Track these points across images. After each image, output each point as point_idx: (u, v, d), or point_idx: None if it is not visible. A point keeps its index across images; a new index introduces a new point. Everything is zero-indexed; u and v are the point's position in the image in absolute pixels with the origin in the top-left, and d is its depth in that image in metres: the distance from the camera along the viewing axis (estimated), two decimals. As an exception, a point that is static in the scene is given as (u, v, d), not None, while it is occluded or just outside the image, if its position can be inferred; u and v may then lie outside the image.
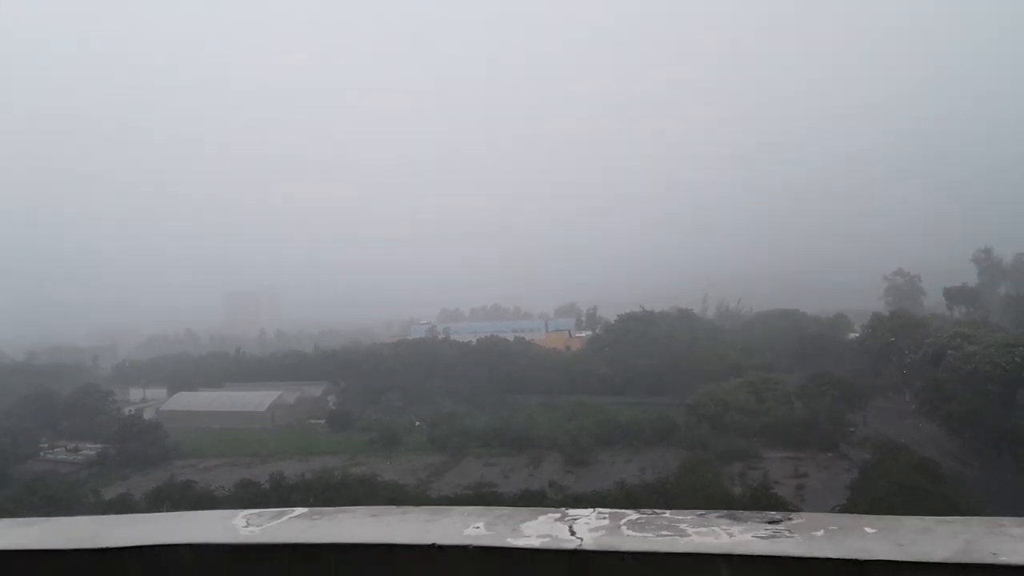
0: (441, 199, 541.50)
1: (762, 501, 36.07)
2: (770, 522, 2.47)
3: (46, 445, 77.45)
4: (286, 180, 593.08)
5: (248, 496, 45.54)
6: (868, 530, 2.39)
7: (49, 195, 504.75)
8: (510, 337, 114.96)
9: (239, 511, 3.02)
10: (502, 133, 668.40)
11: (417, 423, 78.87)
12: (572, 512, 2.68)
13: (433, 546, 2.51)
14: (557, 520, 2.62)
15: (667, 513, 2.62)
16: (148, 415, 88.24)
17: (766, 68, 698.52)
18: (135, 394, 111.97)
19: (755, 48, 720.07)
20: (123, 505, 45.89)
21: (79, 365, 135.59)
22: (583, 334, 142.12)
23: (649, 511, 2.65)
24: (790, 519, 2.50)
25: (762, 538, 2.35)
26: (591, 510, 2.69)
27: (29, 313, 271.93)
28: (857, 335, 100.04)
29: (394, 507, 2.93)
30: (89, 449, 74.03)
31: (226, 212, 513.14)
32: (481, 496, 39.43)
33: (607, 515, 2.64)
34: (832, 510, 37.20)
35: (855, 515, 2.56)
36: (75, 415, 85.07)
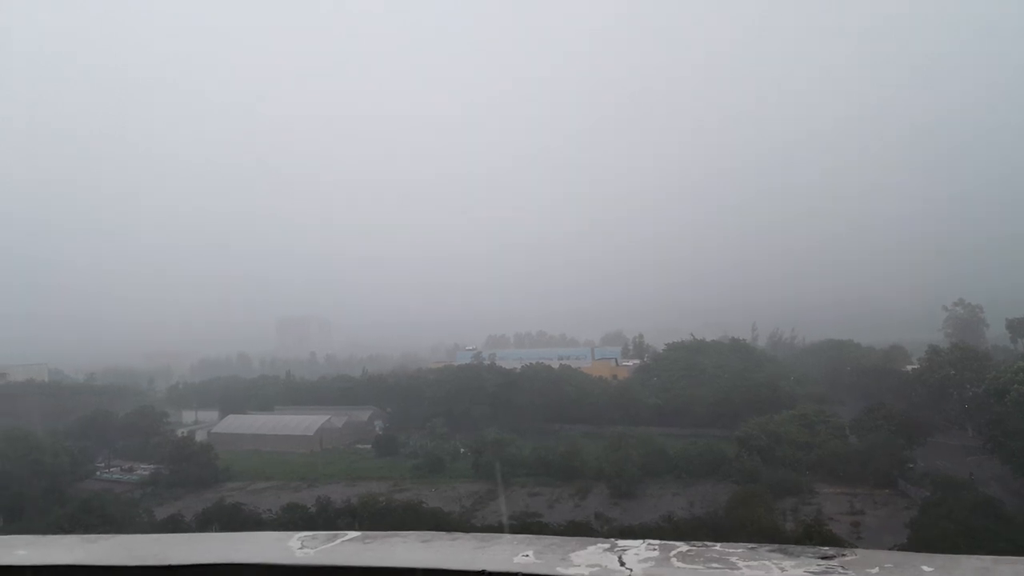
0: (489, 225, 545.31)
1: (815, 538, 34.97)
2: (823, 558, 2.44)
3: (103, 464, 79.63)
4: (339, 206, 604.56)
5: (294, 520, 45.99)
6: (925, 568, 2.34)
7: (110, 223, 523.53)
8: (555, 364, 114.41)
9: (294, 533, 3.10)
10: (552, 160, 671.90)
11: (462, 450, 78.81)
12: (622, 543, 2.69)
13: (483, 573, 2.54)
14: (607, 550, 2.63)
15: (717, 546, 2.61)
16: (200, 437, 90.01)
17: (822, 97, 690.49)
18: (188, 416, 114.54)
19: (822, 80, 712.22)
20: (174, 526, 46.76)
21: (135, 387, 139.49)
22: (630, 363, 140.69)
23: (699, 543, 2.64)
24: (843, 555, 2.47)
25: (815, 573, 2.33)
26: (641, 541, 2.69)
27: (89, 335, 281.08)
28: (915, 367, 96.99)
29: (444, 533, 2.98)
30: (143, 469, 75.83)
31: (279, 237, 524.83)
32: (526, 526, 39.10)
33: (657, 546, 2.64)
34: (891, 550, 36.03)
35: (911, 553, 2.51)
36: (131, 436, 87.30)
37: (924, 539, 35.69)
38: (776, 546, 2.56)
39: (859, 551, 2.54)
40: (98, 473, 76.09)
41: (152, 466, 75.52)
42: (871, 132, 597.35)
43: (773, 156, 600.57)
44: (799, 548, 2.53)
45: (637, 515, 48.84)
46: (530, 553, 2.65)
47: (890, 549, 34.88)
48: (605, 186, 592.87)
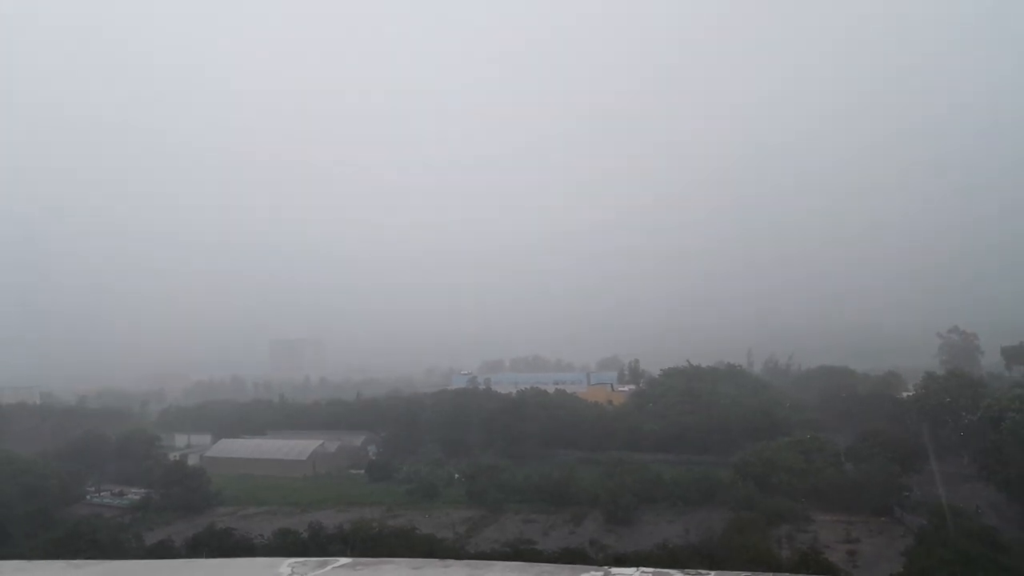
0: (483, 247, 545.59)
1: (812, 566, 34.74)
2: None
3: (93, 488, 78.80)
4: (331, 231, 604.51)
5: (286, 545, 45.52)
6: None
7: (98, 244, 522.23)
8: (551, 389, 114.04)
9: (284, 559, 3.06)
10: (549, 181, 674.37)
11: (456, 475, 78.25)
12: (615, 571, 2.66)
13: None
14: (600, 579, 2.59)
15: (712, 574, 2.58)
16: (192, 461, 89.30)
17: (819, 119, 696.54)
18: (180, 440, 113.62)
19: (821, 93, 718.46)
20: (164, 551, 46.22)
21: (127, 410, 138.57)
22: (626, 388, 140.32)
23: (694, 571, 2.61)
24: (840, 585, 2.44)
25: None
26: (635, 569, 2.66)
27: (81, 357, 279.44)
28: (910, 394, 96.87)
29: (436, 560, 2.93)
30: (134, 494, 75.07)
31: (271, 260, 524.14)
32: (519, 553, 38.73)
33: (651, 574, 2.61)
34: (887, 578, 35.73)
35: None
36: (122, 459, 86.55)
37: (921, 568, 35.45)
38: (773, 575, 2.53)
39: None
40: (88, 497, 75.29)
41: (143, 490, 74.80)
42: (868, 163, 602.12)
43: (770, 187, 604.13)
44: (797, 577, 2.50)
45: (632, 542, 48.47)
46: (523, 581, 2.62)
47: (887, 578, 34.64)
48: (600, 212, 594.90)
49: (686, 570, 2.59)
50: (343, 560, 2.97)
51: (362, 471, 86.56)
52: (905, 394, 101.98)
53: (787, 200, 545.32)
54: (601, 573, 2.58)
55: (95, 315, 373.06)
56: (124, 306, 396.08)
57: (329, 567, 2.92)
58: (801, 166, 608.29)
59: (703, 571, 2.57)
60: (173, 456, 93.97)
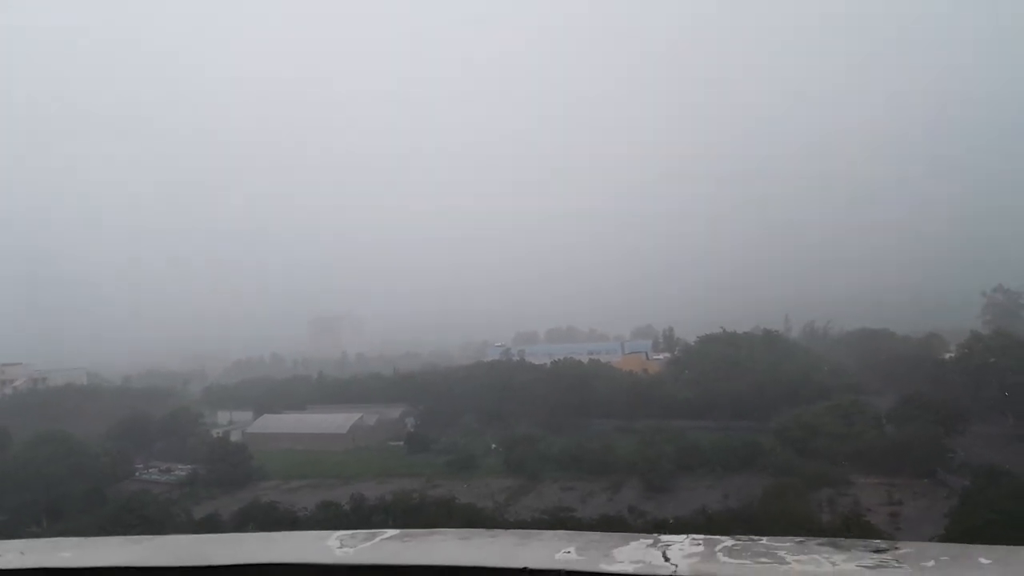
0: (516, 220, 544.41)
1: (854, 529, 34.51)
2: (875, 551, 2.36)
3: (141, 466, 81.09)
4: (365, 205, 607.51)
5: (329, 517, 46.45)
6: (983, 560, 2.25)
7: (141, 227, 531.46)
8: (585, 359, 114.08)
9: (332, 532, 3.09)
10: (576, 154, 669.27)
11: (493, 446, 79.00)
12: (665, 538, 2.63)
13: (525, 570, 2.50)
14: (650, 546, 2.57)
15: (764, 540, 2.54)
16: (235, 437, 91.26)
17: (858, 84, 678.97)
18: (223, 417, 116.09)
19: (859, 67, 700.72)
20: (212, 525, 47.50)
21: (171, 389, 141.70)
22: (661, 356, 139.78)
23: (745, 537, 2.57)
24: (896, 548, 2.39)
25: (868, 568, 2.25)
26: (684, 536, 2.63)
27: (125, 337, 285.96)
28: (952, 355, 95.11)
29: (483, 530, 2.94)
30: (180, 470, 77.08)
31: (310, 236, 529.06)
32: (559, 521, 39.07)
33: (701, 541, 2.58)
34: (931, 539, 35.35)
35: (967, 545, 2.41)
36: (168, 437, 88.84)
37: (965, 529, 35.00)
38: (826, 539, 2.48)
39: (913, 544, 2.46)
40: (137, 474, 77.52)
41: (189, 467, 76.74)
42: (907, 117, 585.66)
43: (808, 144, 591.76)
44: (850, 541, 2.45)
45: (671, 509, 48.59)
46: (572, 549, 2.61)
47: (931, 539, 34.35)
48: (631, 178, 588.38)
49: (736, 536, 2.55)
50: (390, 532, 2.98)
51: (401, 443, 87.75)
52: (948, 355, 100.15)
53: (823, 159, 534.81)
54: (651, 540, 2.55)
55: (138, 299, 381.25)
56: (165, 290, 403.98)
57: (377, 539, 2.94)
58: (839, 123, 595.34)
59: (754, 537, 2.52)
60: (216, 433, 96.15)
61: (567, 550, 2.60)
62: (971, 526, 35.08)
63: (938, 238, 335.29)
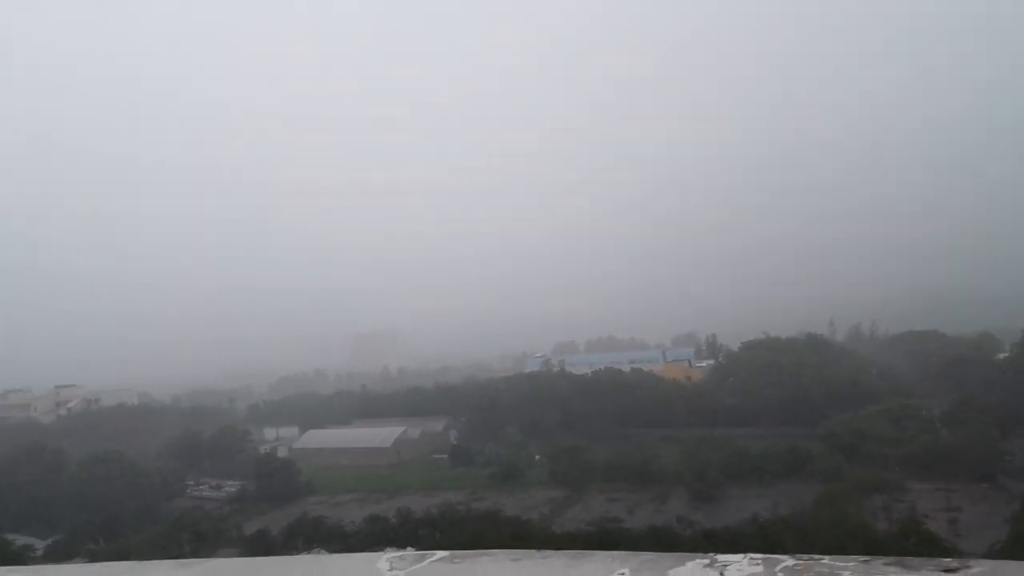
0: (551, 228, 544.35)
1: (912, 537, 33.53)
2: (946, 571, 2.26)
3: (192, 483, 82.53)
4: (402, 227, 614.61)
5: (376, 531, 46.67)
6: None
7: (190, 257, 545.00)
8: (626, 368, 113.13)
9: (382, 554, 3.07)
10: (610, 156, 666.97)
11: (537, 457, 78.68)
12: (722, 558, 2.55)
13: None
14: (707, 566, 2.49)
15: (826, 559, 2.44)
16: (281, 453, 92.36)
17: (897, 91, 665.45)
18: (269, 433, 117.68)
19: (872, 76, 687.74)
20: (262, 540, 48.05)
21: (218, 407, 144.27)
22: (704, 364, 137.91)
23: (806, 556, 2.48)
24: (968, 567, 2.28)
25: None
26: (742, 556, 2.55)
27: (174, 359, 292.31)
28: (1007, 355, 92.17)
29: (535, 551, 2.89)
30: (230, 486, 78.23)
31: (347, 252, 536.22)
32: (607, 532, 38.66)
33: (760, 561, 2.50)
34: (993, 546, 34.15)
35: (1043, 563, 2.29)
36: (216, 454, 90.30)
37: (1029, 536, 33.78)
38: (893, 559, 2.37)
39: (986, 562, 2.34)
40: (188, 491, 78.87)
41: (238, 483, 77.84)
42: (965, 118, 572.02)
43: (849, 144, 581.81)
44: (919, 561, 2.34)
45: (720, 519, 47.72)
46: (626, 571, 2.54)
47: (993, 546, 33.03)
48: (669, 186, 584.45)
49: (797, 556, 2.47)
50: (441, 553, 2.95)
51: (445, 456, 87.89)
52: (1002, 355, 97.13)
53: (866, 163, 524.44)
54: (707, 560, 2.48)
55: (186, 320, 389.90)
56: (212, 313, 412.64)
57: (427, 560, 2.91)
58: (874, 124, 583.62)
59: (815, 556, 2.43)
60: (263, 449, 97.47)
61: (621, 572, 2.54)
62: (1035, 532, 33.85)
63: (984, 237, 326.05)
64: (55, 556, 52.73)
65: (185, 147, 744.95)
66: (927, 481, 56.20)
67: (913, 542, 32.92)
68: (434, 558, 2.97)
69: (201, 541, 53.87)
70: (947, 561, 2.31)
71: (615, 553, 2.70)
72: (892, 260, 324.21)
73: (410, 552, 3.05)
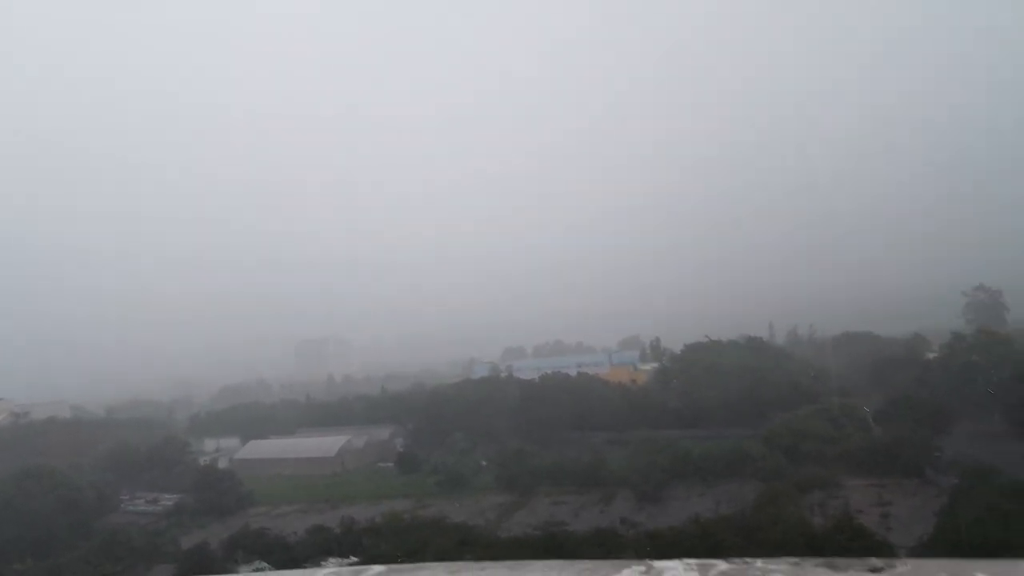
0: (500, 237, 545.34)
1: (846, 531, 34.55)
2: (872, 570, 2.32)
3: (127, 497, 79.85)
4: (346, 229, 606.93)
5: (319, 542, 45.89)
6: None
7: (123, 257, 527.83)
8: (573, 372, 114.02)
9: (319, 569, 3.01)
10: (559, 169, 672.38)
11: (483, 463, 78.58)
12: (658, 564, 2.57)
13: None
14: (643, 573, 2.51)
15: (759, 563, 2.48)
16: (223, 464, 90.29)
17: (832, 88, 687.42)
18: (209, 444, 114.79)
19: (832, 70, 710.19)
20: (200, 554, 46.76)
21: (156, 418, 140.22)
22: (648, 367, 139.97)
23: (739, 560, 2.52)
24: (893, 567, 2.34)
25: None
26: (677, 561, 2.57)
27: (108, 368, 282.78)
28: (936, 355, 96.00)
29: (473, 563, 2.86)
30: (168, 500, 75.98)
31: (290, 262, 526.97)
32: (552, 536, 38.80)
33: (695, 566, 2.52)
34: (922, 539, 35.47)
35: (965, 560, 2.37)
36: (154, 467, 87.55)
37: (955, 526, 35.15)
38: (822, 560, 2.43)
39: (910, 561, 2.41)
40: (123, 506, 76.33)
41: (176, 496, 75.69)
42: (883, 122, 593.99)
43: (782, 149, 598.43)
44: (846, 561, 2.40)
45: (664, 519, 48.42)
46: (563, 580, 2.54)
47: (920, 538, 34.26)
48: (614, 194, 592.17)
49: (731, 559, 2.50)
50: (377, 568, 2.90)
51: (391, 464, 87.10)
52: (931, 355, 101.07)
53: (799, 167, 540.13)
54: (643, 567, 2.49)
55: (118, 326, 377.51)
56: (147, 318, 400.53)
57: (364, 575, 2.86)
58: (814, 130, 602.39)
59: (748, 559, 2.47)
60: (204, 460, 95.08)
61: (558, 581, 2.53)
62: (961, 523, 35.23)
63: (917, 240, 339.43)
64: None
65: (120, 136, 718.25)
66: (861, 477, 58.02)
67: (846, 536, 33.92)
68: (371, 572, 2.92)
69: (136, 556, 52.23)
70: (873, 561, 2.37)
71: (553, 563, 2.70)
72: (829, 264, 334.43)
73: (346, 569, 3.00)
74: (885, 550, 33.79)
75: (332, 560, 25.12)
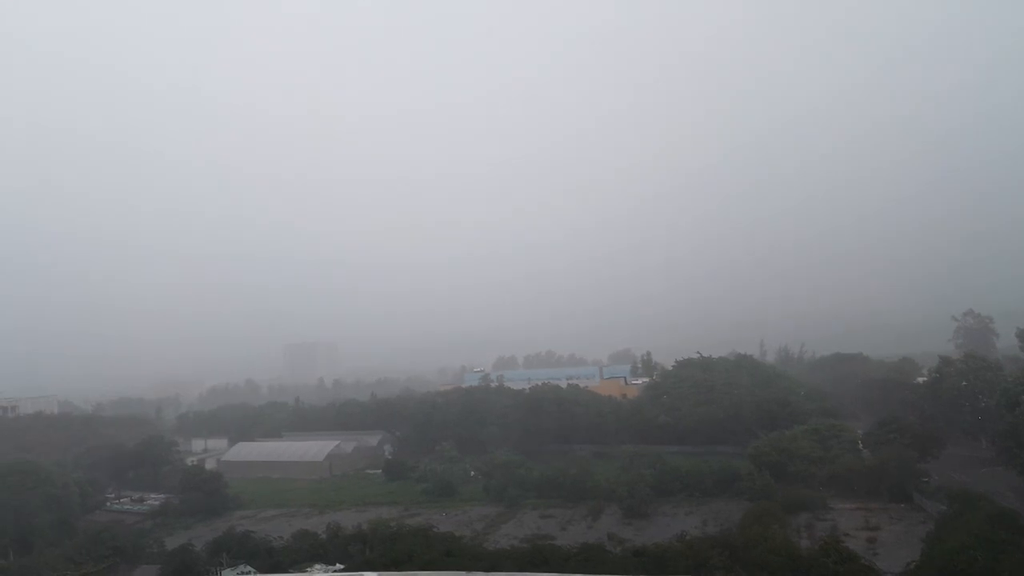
0: (495, 246, 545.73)
1: (832, 555, 34.52)
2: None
3: (112, 495, 79.38)
4: (342, 234, 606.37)
5: (305, 547, 45.60)
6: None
7: (112, 255, 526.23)
8: (564, 384, 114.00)
9: (307, 574, 3.07)
10: (559, 182, 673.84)
11: (472, 473, 78.43)
12: None
13: None
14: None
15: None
16: (210, 465, 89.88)
17: (828, 110, 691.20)
18: (197, 444, 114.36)
19: (829, 91, 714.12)
20: (185, 556, 46.42)
21: (144, 416, 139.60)
22: (639, 381, 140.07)
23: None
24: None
25: None
26: None
27: (97, 365, 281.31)
28: (925, 379, 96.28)
29: (463, 572, 2.93)
30: (153, 499, 75.58)
31: (285, 266, 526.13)
32: (538, 550, 38.63)
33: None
34: (908, 565, 35.42)
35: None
36: (140, 465, 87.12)
37: (941, 553, 35.13)
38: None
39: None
40: (108, 504, 75.91)
41: (162, 496, 75.30)
42: (878, 146, 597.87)
43: (781, 175, 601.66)
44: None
45: (650, 535, 48.32)
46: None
47: (908, 564, 34.29)
48: (609, 210, 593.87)
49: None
50: (369, 574, 2.98)
51: (379, 471, 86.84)
52: (920, 379, 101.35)
53: (799, 188, 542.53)
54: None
55: (111, 325, 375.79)
56: (139, 316, 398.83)
57: None
58: (805, 156, 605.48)
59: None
60: (191, 461, 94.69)
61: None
62: (947, 550, 35.21)
63: (908, 265, 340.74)
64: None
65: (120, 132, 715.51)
66: (849, 500, 58.04)
67: (833, 560, 33.91)
68: (359, 580, 2.99)
69: (119, 556, 51.89)
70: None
71: (535, 576, 2.78)
72: (822, 285, 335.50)
73: (336, 574, 3.07)
74: (872, 575, 33.81)
75: (318, 566, 24.96)
